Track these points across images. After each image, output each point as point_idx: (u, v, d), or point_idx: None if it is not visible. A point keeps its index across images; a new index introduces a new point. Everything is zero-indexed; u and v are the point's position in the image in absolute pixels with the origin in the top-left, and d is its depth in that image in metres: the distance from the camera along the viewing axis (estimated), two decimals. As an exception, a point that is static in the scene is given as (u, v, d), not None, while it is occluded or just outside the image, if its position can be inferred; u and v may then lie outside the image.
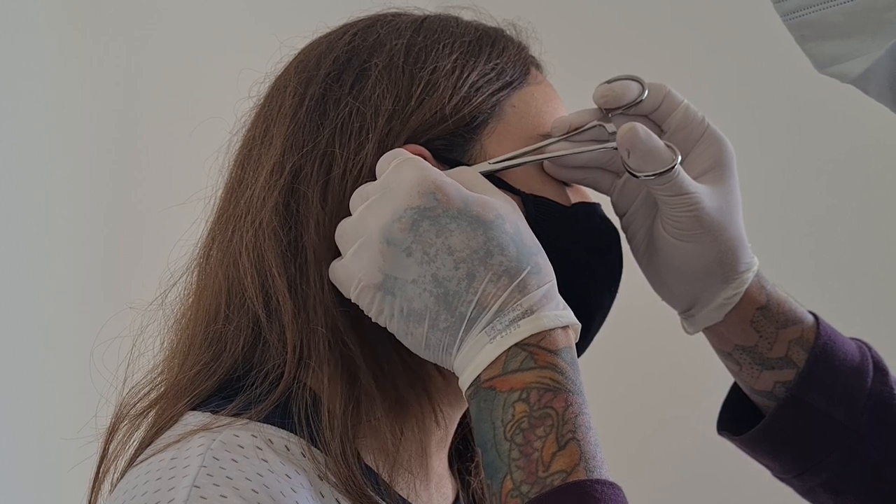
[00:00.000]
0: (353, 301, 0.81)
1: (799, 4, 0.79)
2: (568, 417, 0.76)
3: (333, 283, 0.82)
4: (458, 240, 0.79)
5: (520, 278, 0.79)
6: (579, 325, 0.80)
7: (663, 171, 0.85)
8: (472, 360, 0.78)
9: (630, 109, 0.88)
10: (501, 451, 0.76)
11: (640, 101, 0.88)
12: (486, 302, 0.78)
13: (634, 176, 0.86)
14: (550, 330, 0.78)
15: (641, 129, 0.85)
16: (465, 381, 0.79)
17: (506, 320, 0.78)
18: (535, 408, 0.76)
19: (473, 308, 0.78)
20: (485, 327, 0.78)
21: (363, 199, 0.82)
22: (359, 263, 0.80)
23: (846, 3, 0.77)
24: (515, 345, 0.77)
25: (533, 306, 0.78)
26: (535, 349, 0.77)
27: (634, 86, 0.89)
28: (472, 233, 0.79)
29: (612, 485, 0.75)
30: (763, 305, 0.92)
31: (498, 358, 0.77)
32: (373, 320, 0.81)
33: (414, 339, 0.80)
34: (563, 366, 0.77)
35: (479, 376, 0.78)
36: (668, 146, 0.86)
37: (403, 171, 0.81)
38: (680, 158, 0.86)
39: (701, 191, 0.87)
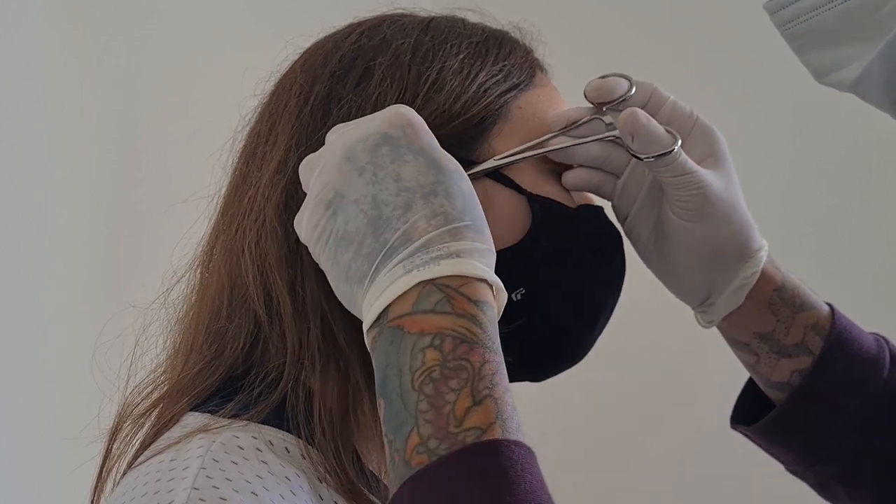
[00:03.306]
0: (304, 241, 0.79)
1: (793, 14, 0.80)
2: (485, 374, 0.70)
3: (297, 231, 0.80)
4: (409, 170, 0.76)
5: (455, 225, 0.74)
6: (506, 296, 0.76)
7: (667, 151, 0.86)
8: (381, 293, 0.73)
9: (620, 105, 0.89)
10: (408, 402, 0.70)
11: (630, 96, 0.89)
12: (413, 235, 0.74)
13: (639, 158, 0.87)
14: (474, 279, 0.73)
15: (642, 113, 0.86)
16: (370, 318, 0.73)
17: (427, 257, 0.73)
18: (449, 358, 0.70)
19: (399, 236, 0.74)
20: (403, 260, 0.73)
21: (338, 131, 0.81)
22: (316, 186, 0.78)
23: (835, 8, 0.78)
24: (432, 282, 0.72)
25: (461, 252, 0.74)
26: (454, 293, 0.72)
27: (623, 82, 0.90)
28: (425, 170, 0.76)
29: (530, 450, 0.70)
30: (780, 286, 0.92)
31: (409, 291, 0.72)
32: (312, 254, 0.78)
33: (339, 267, 0.76)
34: (483, 320, 0.72)
35: (386, 311, 0.73)
36: (667, 131, 0.87)
37: (388, 108, 0.80)
38: (680, 141, 0.87)
39: (704, 170, 0.88)
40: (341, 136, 0.79)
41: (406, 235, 0.74)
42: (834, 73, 0.80)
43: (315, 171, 0.79)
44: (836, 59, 0.79)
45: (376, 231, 0.75)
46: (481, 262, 0.74)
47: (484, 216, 0.77)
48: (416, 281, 0.72)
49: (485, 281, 0.74)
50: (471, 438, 0.68)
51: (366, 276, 0.74)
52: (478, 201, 0.77)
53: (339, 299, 0.78)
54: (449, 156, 0.78)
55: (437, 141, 0.79)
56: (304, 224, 0.79)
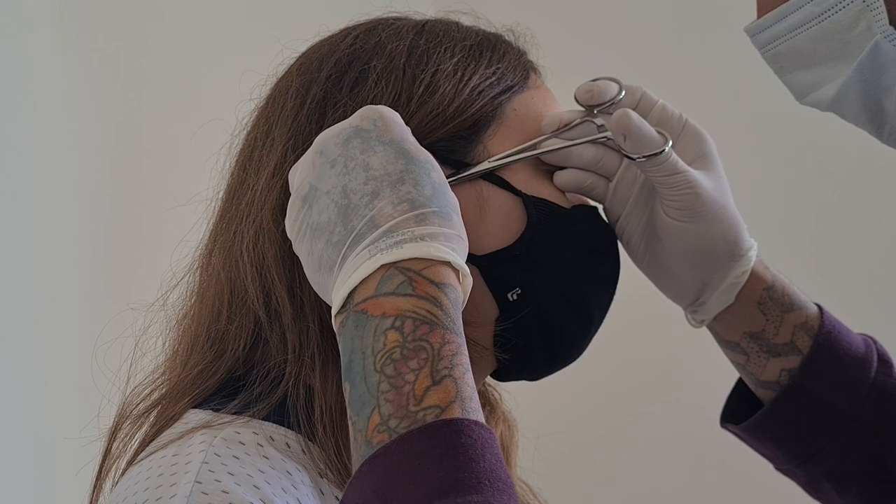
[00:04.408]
0: (290, 238, 0.80)
1: (772, 36, 0.82)
2: (444, 354, 0.71)
3: (286, 231, 0.81)
4: (378, 160, 0.77)
5: (421, 210, 0.75)
6: (471, 281, 0.76)
7: (658, 152, 0.87)
8: (347, 278, 0.74)
9: (611, 108, 0.91)
10: (370, 384, 0.71)
11: (619, 99, 0.91)
12: (379, 221, 0.75)
13: (631, 159, 0.88)
14: (438, 262, 0.74)
15: (633, 113, 0.87)
16: (337, 303, 0.74)
17: (391, 241, 0.74)
18: (409, 339, 0.71)
19: (365, 223, 0.75)
20: (369, 245, 0.74)
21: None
22: (295, 183, 0.80)
23: (811, 29, 0.79)
24: (394, 265, 0.73)
25: (425, 235, 0.74)
26: (416, 276, 0.73)
27: (613, 85, 0.91)
28: (394, 159, 0.77)
29: (490, 430, 0.70)
30: (770, 285, 0.94)
31: (372, 275, 0.73)
32: (295, 249, 0.80)
33: (312, 259, 0.77)
34: (445, 302, 0.73)
35: (352, 296, 0.73)
36: (658, 132, 0.88)
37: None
38: (671, 142, 0.88)
39: (695, 171, 0.89)
40: (318, 137, 0.81)
41: (372, 221, 0.75)
42: (813, 94, 0.81)
43: (296, 173, 0.81)
44: (814, 79, 0.81)
45: (346, 219, 0.76)
46: (446, 246, 0.75)
47: (456, 204, 0.78)
48: (379, 264, 0.73)
49: (449, 264, 0.75)
50: (430, 417, 0.69)
51: (335, 263, 0.76)
52: (449, 190, 0.78)
53: (315, 290, 0.79)
54: (421, 147, 0.79)
55: (410, 134, 0.80)
56: (287, 220, 0.80)
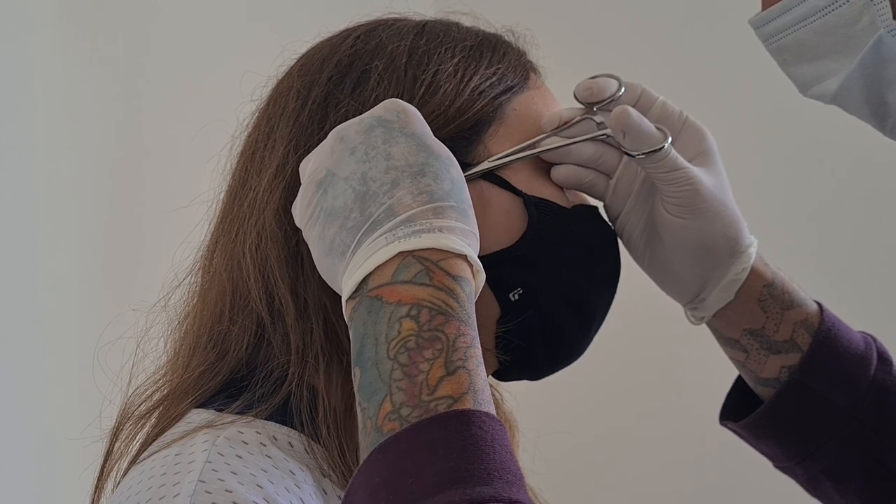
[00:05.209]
0: (298, 224, 0.80)
1: (776, 29, 0.82)
2: (459, 346, 0.71)
3: (294, 217, 0.82)
4: (400, 150, 0.78)
5: (440, 203, 0.76)
6: (484, 277, 0.77)
7: (658, 148, 0.87)
8: (362, 263, 0.74)
9: (610, 105, 0.91)
10: (383, 371, 0.71)
11: (619, 96, 0.91)
12: (398, 209, 0.75)
13: (630, 155, 0.88)
14: (454, 254, 0.74)
15: (633, 110, 0.87)
16: (350, 287, 0.74)
17: (409, 230, 0.74)
18: (425, 328, 0.71)
19: (383, 210, 0.75)
20: (386, 232, 0.74)
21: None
22: (310, 168, 0.80)
23: (815, 22, 0.80)
24: (412, 253, 0.73)
25: (443, 227, 0.75)
26: (433, 266, 0.73)
27: (613, 82, 0.91)
28: (416, 151, 0.78)
29: (501, 423, 0.70)
30: (770, 282, 0.94)
31: (389, 262, 0.73)
32: (303, 230, 0.80)
33: (323, 243, 0.77)
34: (460, 294, 0.73)
35: (366, 281, 0.74)
36: (658, 128, 0.88)
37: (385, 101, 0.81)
38: (671, 138, 0.88)
39: (695, 167, 0.89)
40: (337, 126, 0.81)
41: (391, 210, 0.75)
42: (816, 87, 0.81)
43: (311, 163, 0.81)
44: (818, 72, 0.81)
45: (363, 205, 0.76)
46: (463, 241, 0.75)
47: (471, 202, 0.79)
48: (396, 251, 0.74)
49: (464, 258, 0.75)
50: (442, 407, 0.69)
51: (348, 248, 0.76)
52: (466, 188, 0.79)
53: (322, 274, 0.79)
54: (441, 144, 0.80)
55: (430, 130, 0.80)
56: (298, 205, 0.80)
